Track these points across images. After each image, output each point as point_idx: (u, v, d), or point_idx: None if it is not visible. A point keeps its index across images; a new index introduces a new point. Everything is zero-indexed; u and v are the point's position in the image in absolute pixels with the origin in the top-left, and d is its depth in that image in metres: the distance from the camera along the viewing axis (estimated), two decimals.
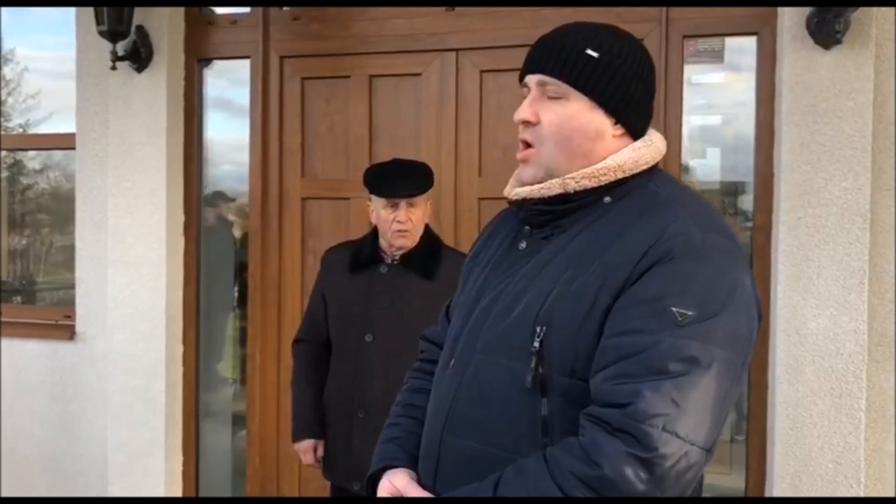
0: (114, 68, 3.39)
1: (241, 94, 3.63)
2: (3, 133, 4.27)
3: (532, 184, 1.43)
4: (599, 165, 1.40)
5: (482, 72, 3.25)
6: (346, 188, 3.42)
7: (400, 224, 2.54)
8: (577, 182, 1.40)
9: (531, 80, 1.45)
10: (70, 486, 3.85)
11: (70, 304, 4.03)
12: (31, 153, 4.40)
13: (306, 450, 2.72)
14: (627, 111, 1.42)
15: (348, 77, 3.42)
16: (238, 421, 4.24)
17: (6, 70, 4.35)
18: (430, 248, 2.60)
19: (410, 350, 2.46)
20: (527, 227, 1.46)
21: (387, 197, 2.56)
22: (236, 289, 4.11)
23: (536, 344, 1.31)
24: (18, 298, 4.49)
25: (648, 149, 1.44)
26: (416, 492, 1.42)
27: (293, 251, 3.53)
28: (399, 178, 2.57)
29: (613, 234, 1.35)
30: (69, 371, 3.86)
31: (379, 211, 2.58)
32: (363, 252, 2.65)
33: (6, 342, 3.99)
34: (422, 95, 3.33)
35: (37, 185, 4.61)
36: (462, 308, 1.53)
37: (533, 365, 1.31)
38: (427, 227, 2.65)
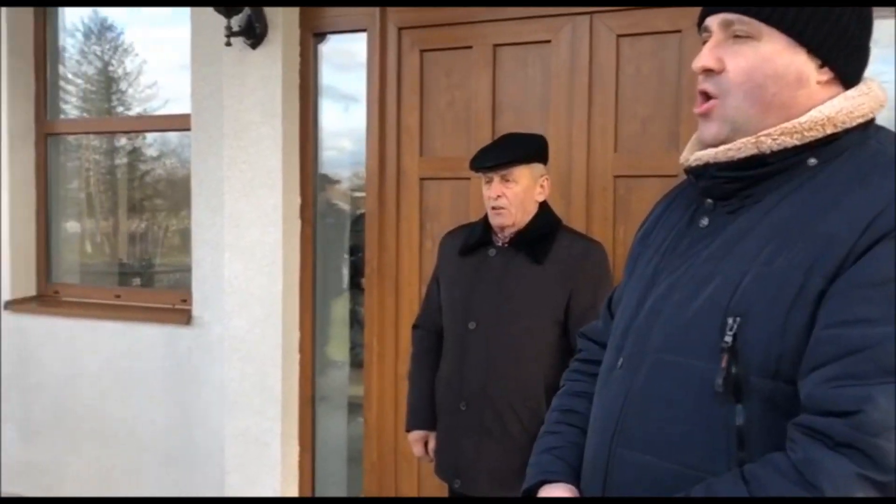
0: (228, 44, 3.27)
1: (342, 80, 3.50)
2: (121, 116, 4.27)
3: (715, 145, 1.19)
4: (803, 119, 1.13)
5: (619, 36, 2.95)
6: (466, 167, 3.18)
7: (492, 199, 2.31)
8: (774, 140, 1.14)
9: (713, 21, 1.19)
10: (187, 472, 3.82)
11: (186, 288, 4.00)
12: (149, 140, 4.39)
13: (416, 441, 2.56)
14: (837, 50, 1.15)
15: (470, 48, 3.19)
16: (353, 407, 4.12)
17: (126, 62, 4.37)
18: (541, 230, 2.35)
19: (515, 340, 2.27)
20: (709, 200, 1.23)
21: (475, 170, 2.38)
22: (346, 272, 4.00)
23: (728, 339, 1.08)
24: (137, 281, 4.50)
25: (866, 97, 1.15)
26: None
27: (411, 235, 3.34)
28: (490, 151, 2.36)
29: (824, 203, 1.08)
30: (186, 356, 3.82)
31: (483, 188, 2.38)
32: (474, 234, 2.44)
33: (125, 326, 3.99)
34: (551, 65, 3.06)
35: (154, 170, 4.61)
36: (630, 299, 1.30)
37: (724, 364, 1.08)
38: (543, 205, 2.40)
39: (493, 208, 2.30)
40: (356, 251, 4.32)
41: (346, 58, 3.65)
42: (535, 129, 2.73)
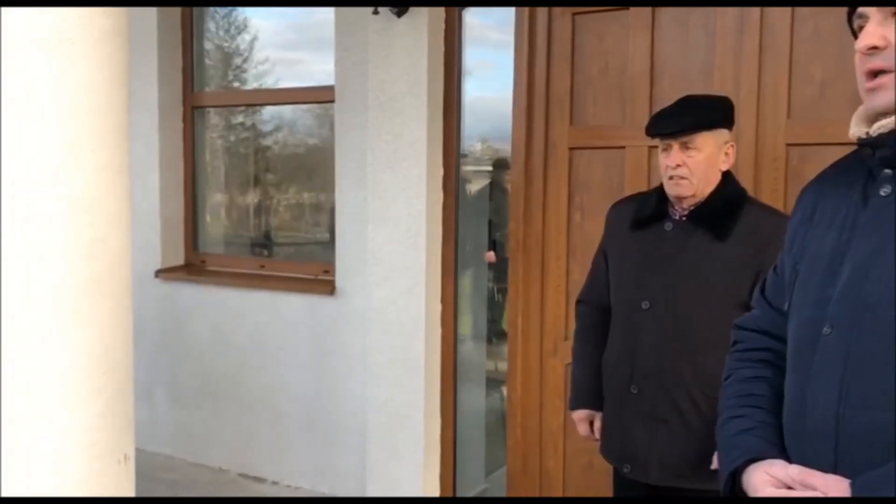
0: (376, 12, 3.24)
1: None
2: (266, 89, 4.33)
3: (890, 113, 1.20)
4: None
5: None
6: (620, 136, 3.05)
7: (671, 169, 2.14)
8: None
9: (868, 8, 1.23)
10: (329, 442, 3.88)
11: (328, 259, 4.04)
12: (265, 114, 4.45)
13: (581, 420, 2.45)
14: None
15: (626, 9, 3.02)
16: (489, 382, 4.08)
17: (238, 40, 4.45)
18: (725, 202, 2.16)
19: (693, 323, 2.10)
20: (887, 171, 1.24)
21: (653, 136, 2.21)
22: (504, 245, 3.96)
23: None
24: (279, 252, 4.60)
25: None
26: (822, 478, 1.18)
27: (559, 207, 3.22)
28: (670, 115, 2.17)
29: None
30: (329, 326, 3.86)
31: (659, 156, 2.22)
32: (647, 206, 2.28)
33: (269, 295, 4.07)
34: (716, 25, 2.85)
35: (294, 143, 4.68)
36: (812, 273, 1.31)
37: None
38: (727, 175, 2.21)
39: (672, 178, 2.14)
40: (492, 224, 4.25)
41: (476, 29, 3.58)
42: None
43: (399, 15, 3.32)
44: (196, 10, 4.38)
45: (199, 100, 4.39)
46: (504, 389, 3.97)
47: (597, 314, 2.40)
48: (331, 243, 3.98)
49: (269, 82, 4.45)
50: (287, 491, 4.02)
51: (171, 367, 4.37)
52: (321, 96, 3.94)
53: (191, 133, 4.40)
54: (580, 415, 2.43)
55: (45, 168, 1.88)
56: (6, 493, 1.91)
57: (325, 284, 3.89)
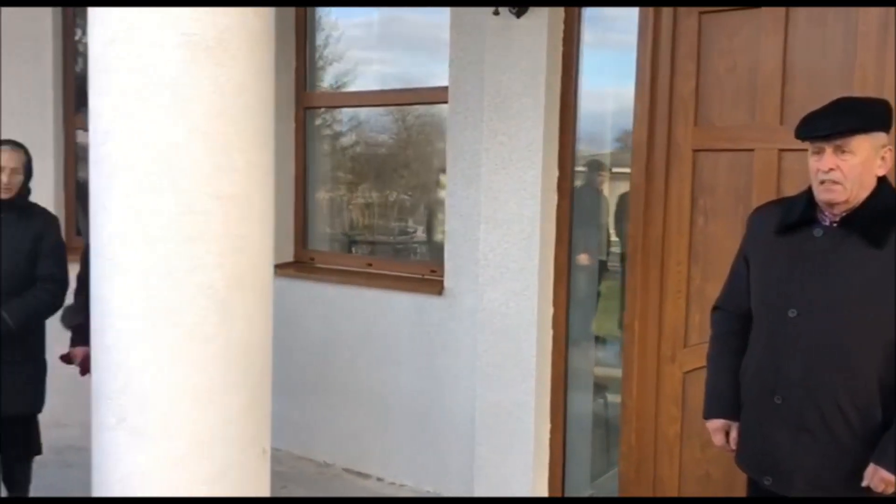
0: (496, 13, 3.23)
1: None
2: (377, 90, 4.37)
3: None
4: None
5: None
6: (748, 138, 2.96)
7: (822, 173, 2.05)
8: None
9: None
10: (436, 441, 3.89)
11: (435, 258, 4.05)
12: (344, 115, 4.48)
13: (716, 430, 2.37)
14: None
15: (758, 7, 2.92)
16: (598, 387, 4.02)
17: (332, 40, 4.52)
18: (881, 208, 2.06)
19: (844, 333, 2.00)
20: None
21: (803, 139, 2.11)
22: (607, 247, 3.91)
23: None
24: (386, 250, 4.65)
25: None
26: None
27: (680, 210, 3.14)
28: (822, 117, 2.08)
29: None
30: (436, 325, 3.87)
31: (809, 159, 2.13)
32: (794, 211, 2.19)
33: (377, 293, 4.11)
34: (857, 23, 2.73)
35: (401, 143, 4.72)
36: None
37: None
38: (882, 180, 2.11)
39: (823, 182, 2.06)
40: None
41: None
42: (834, 96, 2.43)
43: (518, 15, 3.31)
44: (309, 10, 4.46)
45: (311, 100, 4.47)
46: (608, 395, 3.92)
47: (735, 321, 2.33)
48: (435, 243, 4.00)
49: (347, 80, 4.52)
50: (391, 489, 4.05)
51: (281, 362, 4.44)
52: (434, 97, 3.95)
53: (302, 134, 4.48)
54: (716, 424, 2.35)
55: (200, 167, 1.94)
56: (152, 490, 1.97)
57: (432, 284, 3.90)
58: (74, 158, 5.10)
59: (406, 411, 3.99)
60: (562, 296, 3.46)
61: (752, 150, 2.94)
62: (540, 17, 3.28)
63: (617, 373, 3.79)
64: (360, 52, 4.61)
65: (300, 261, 4.55)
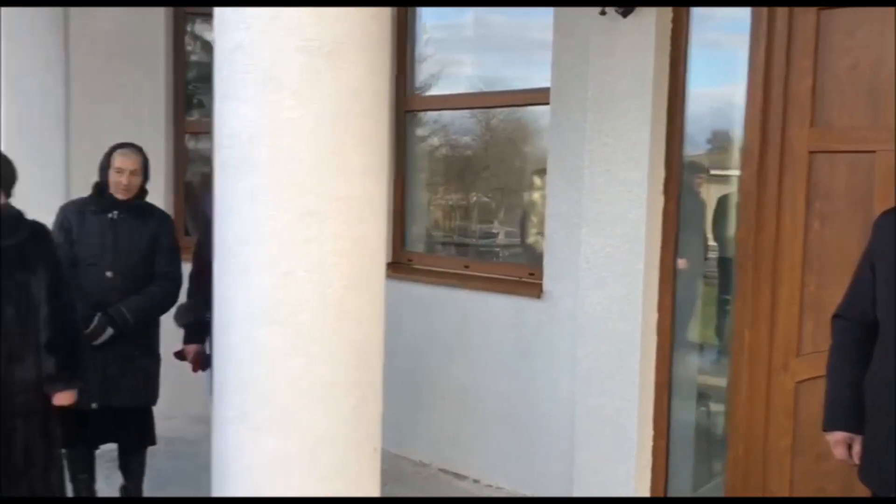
0: (603, 13, 3.19)
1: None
2: (478, 93, 4.38)
3: None
4: None
5: None
6: (870, 139, 2.83)
7: None
8: None
9: None
10: (534, 444, 3.87)
11: (533, 261, 4.03)
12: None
13: (837, 442, 2.28)
14: None
15: (884, 6, 2.79)
16: (702, 396, 3.92)
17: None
18: None
19: None
20: None
21: None
22: (704, 252, 3.80)
23: None
24: (483, 253, 4.66)
25: None
26: None
27: (794, 214, 3.03)
28: None
29: None
30: (535, 329, 3.85)
31: None
32: None
33: (474, 295, 4.12)
34: None
35: (497, 145, 4.72)
36: None
37: None
38: None
39: None
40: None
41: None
42: None
43: (625, 15, 3.26)
44: (410, 12, 4.50)
45: (411, 104, 4.52)
46: (710, 403, 3.82)
47: (859, 330, 2.23)
48: (530, 245, 3.98)
49: (432, 82, 4.53)
50: (487, 490, 4.05)
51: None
52: (535, 99, 3.93)
53: (403, 137, 4.53)
54: (837, 437, 2.26)
55: (320, 169, 1.98)
56: (270, 484, 2.02)
57: (531, 287, 3.88)
58: (184, 162, 5.31)
59: (503, 414, 3.98)
60: (667, 301, 3.39)
61: (873, 151, 2.81)
62: (647, 17, 3.22)
63: (717, 380, 3.70)
64: (451, 54, 4.64)
65: (398, 262, 4.60)
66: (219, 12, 2.02)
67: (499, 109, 4.49)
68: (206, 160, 5.63)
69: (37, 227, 2.96)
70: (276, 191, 1.97)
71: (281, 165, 1.96)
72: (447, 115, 4.68)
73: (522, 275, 4.05)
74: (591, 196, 3.43)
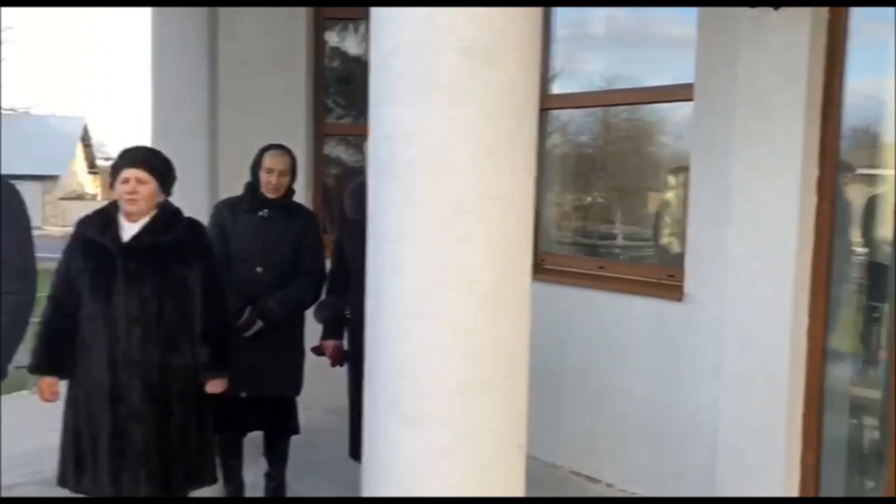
0: (753, 4, 3.07)
1: None
2: (618, 90, 4.31)
3: None
4: None
5: None
6: None
7: None
8: None
9: None
10: (673, 451, 3.77)
11: (673, 262, 3.93)
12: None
13: None
14: None
15: None
16: (855, 408, 3.70)
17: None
18: None
19: None
20: None
21: None
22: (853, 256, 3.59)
23: None
24: (618, 253, 4.58)
25: None
26: None
27: None
28: None
29: None
30: (675, 331, 3.75)
31: None
32: None
33: (610, 297, 4.06)
34: None
35: (632, 143, 4.63)
36: None
37: None
38: None
39: None
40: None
41: None
42: None
43: (776, 7, 3.12)
44: (546, 10, 4.48)
45: (549, 102, 4.49)
46: (864, 416, 3.60)
47: None
48: (665, 246, 3.87)
49: (589, 83, 4.46)
50: (623, 496, 3.98)
51: None
52: (677, 95, 3.83)
53: (542, 136, 4.52)
54: None
55: (473, 168, 2.00)
56: (420, 476, 2.06)
57: (671, 289, 3.78)
58: (322, 163, 5.50)
59: (639, 418, 3.90)
60: (819, 306, 3.22)
61: None
62: (801, 9, 3.07)
63: (866, 392, 3.48)
64: (580, 51, 4.57)
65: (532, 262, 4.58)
66: (376, 17, 2.08)
67: (628, 107, 4.41)
68: (337, 162, 5.83)
69: (193, 223, 3.14)
70: (429, 190, 2.01)
71: (434, 165, 2.00)
72: (574, 114, 4.63)
73: (661, 276, 3.95)
74: (739, 195, 3.30)
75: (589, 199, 4.88)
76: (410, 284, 2.04)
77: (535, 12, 2.11)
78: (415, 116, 2.00)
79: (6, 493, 3.04)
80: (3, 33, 32.57)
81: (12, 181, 2.98)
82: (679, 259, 3.82)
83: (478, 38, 1.96)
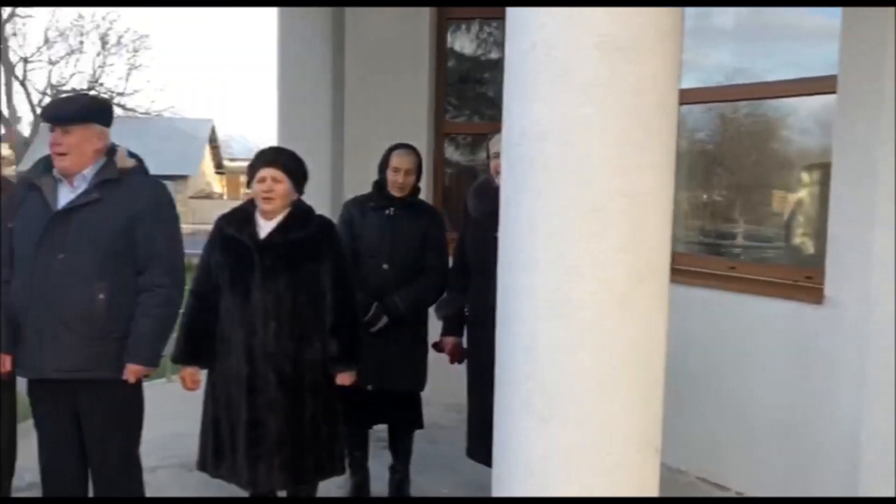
0: None
1: None
2: (752, 83, 4.15)
3: None
4: None
5: None
6: None
7: None
8: None
9: None
10: (808, 462, 3.59)
11: (811, 263, 3.74)
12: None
13: None
14: None
15: None
16: None
17: None
18: None
19: None
20: None
21: None
22: None
23: None
24: (750, 254, 4.42)
25: None
26: None
27: None
28: None
29: None
30: (813, 336, 3.58)
31: None
32: None
33: (740, 298, 3.91)
34: None
35: (756, 139, 4.45)
36: None
37: None
38: None
39: None
40: None
41: None
42: None
43: None
44: None
45: (684, 97, 4.35)
46: None
47: None
48: (799, 246, 3.69)
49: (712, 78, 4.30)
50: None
51: None
52: (818, 88, 3.64)
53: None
54: None
55: (609, 164, 1.97)
56: (553, 475, 2.05)
57: (809, 291, 3.61)
58: (442, 162, 5.55)
59: (773, 425, 3.73)
60: None
61: None
62: None
63: None
64: (704, 44, 4.42)
65: None
66: (511, 16, 2.08)
67: (749, 101, 4.24)
68: (456, 161, 5.88)
69: (324, 221, 3.24)
70: (564, 187, 1.99)
71: (570, 162, 1.98)
72: (690, 109, 4.48)
73: (798, 278, 3.77)
74: (888, 193, 3.11)
75: (710, 196, 4.72)
76: (543, 283, 2.03)
77: (677, 7, 2.05)
78: (551, 114, 1.98)
79: (147, 476, 3.24)
80: (135, 41, 34.40)
81: None
82: (815, 260, 3.64)
83: (617, 32, 1.93)
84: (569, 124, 1.96)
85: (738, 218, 4.60)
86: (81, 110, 2.89)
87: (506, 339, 2.16)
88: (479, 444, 3.28)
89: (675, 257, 4.40)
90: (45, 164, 2.96)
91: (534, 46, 1.99)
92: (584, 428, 2.02)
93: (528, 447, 2.06)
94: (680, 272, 4.28)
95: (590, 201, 1.97)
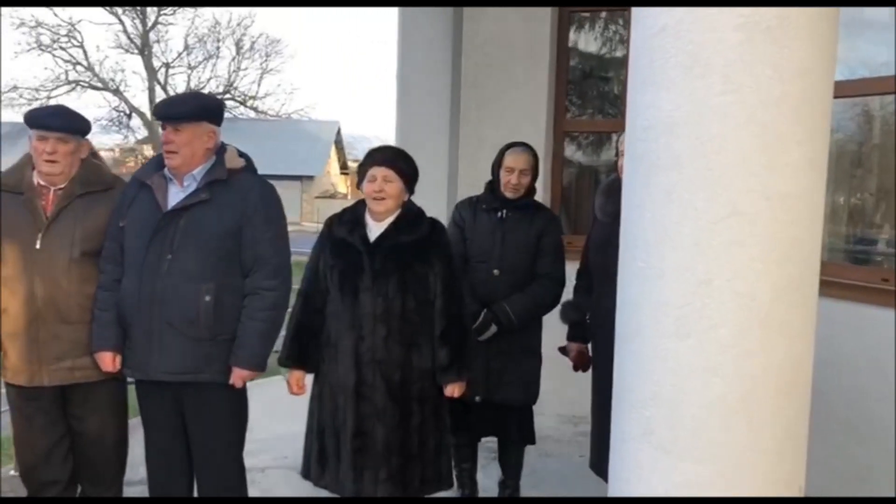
0: None
1: None
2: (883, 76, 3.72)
3: None
4: None
5: None
6: None
7: None
8: None
9: None
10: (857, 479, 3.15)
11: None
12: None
13: None
14: None
15: None
16: None
17: None
18: None
19: None
20: None
21: None
22: None
23: None
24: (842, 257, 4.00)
25: None
26: None
27: None
28: None
29: None
30: (886, 343, 3.17)
31: None
32: None
33: (890, 314, 3.49)
34: None
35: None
36: None
37: None
38: None
39: None
40: None
41: None
42: None
43: None
44: None
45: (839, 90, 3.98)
46: None
47: None
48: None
49: None
50: None
51: None
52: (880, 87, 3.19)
53: None
54: None
55: (750, 162, 1.72)
56: None
57: (884, 294, 3.20)
58: (561, 162, 5.32)
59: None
60: None
61: None
62: None
63: None
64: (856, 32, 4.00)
65: None
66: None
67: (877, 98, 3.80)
68: (576, 161, 5.63)
69: (435, 224, 3.09)
70: (696, 187, 1.75)
71: (703, 159, 1.74)
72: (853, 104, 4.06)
73: (875, 280, 3.35)
74: None
75: (853, 200, 4.28)
76: (671, 297, 1.80)
77: None
78: (681, 104, 1.75)
79: (257, 476, 3.20)
80: (268, 46, 35.81)
81: (275, 181, 3.12)
82: None
83: (762, 13, 1.68)
84: (701, 116, 1.73)
85: (877, 224, 4.15)
86: (192, 109, 2.88)
87: (625, 357, 1.94)
88: (602, 458, 3.05)
89: (821, 267, 4.03)
90: (156, 163, 2.96)
91: (663, 30, 1.77)
92: (714, 463, 1.77)
93: (648, 480, 1.84)
94: (824, 283, 3.89)
95: (726, 204, 1.73)
